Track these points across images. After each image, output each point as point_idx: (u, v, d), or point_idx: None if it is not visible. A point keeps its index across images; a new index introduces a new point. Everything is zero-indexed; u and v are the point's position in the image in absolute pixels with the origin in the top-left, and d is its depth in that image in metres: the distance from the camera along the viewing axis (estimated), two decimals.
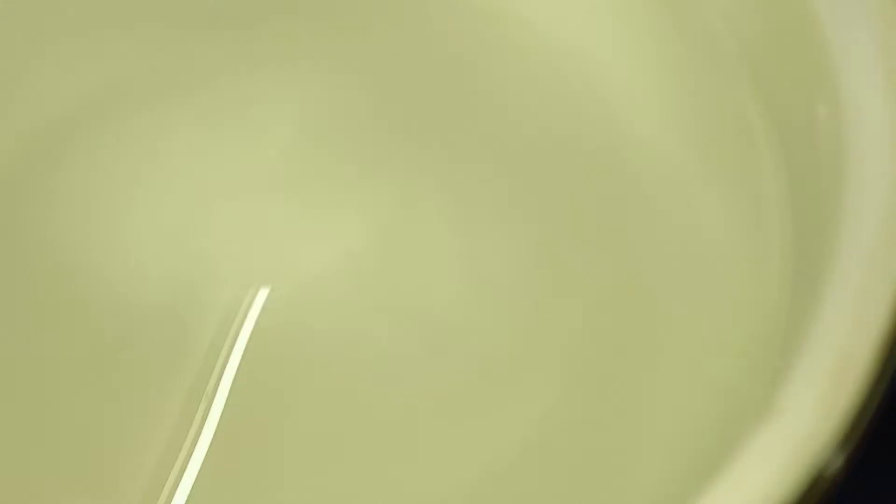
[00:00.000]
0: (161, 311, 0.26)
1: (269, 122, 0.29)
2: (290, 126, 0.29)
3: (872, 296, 0.25)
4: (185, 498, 0.24)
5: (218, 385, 0.25)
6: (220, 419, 0.25)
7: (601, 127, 0.35)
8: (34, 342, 0.27)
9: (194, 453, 0.25)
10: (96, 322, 0.26)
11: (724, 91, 0.38)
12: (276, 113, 0.29)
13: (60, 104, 0.32)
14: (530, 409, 0.29)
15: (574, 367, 0.30)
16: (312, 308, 0.26)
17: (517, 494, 0.28)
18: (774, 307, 0.33)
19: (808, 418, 0.23)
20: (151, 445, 0.24)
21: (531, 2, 0.35)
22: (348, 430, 0.25)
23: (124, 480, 0.24)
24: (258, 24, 0.30)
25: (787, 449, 0.23)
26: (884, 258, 0.25)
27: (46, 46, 0.34)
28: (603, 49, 0.38)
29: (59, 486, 0.25)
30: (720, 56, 0.38)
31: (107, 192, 0.29)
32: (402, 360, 0.26)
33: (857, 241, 0.27)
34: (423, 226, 0.28)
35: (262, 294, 0.26)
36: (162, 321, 0.25)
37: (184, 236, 0.27)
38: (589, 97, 0.38)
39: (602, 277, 0.33)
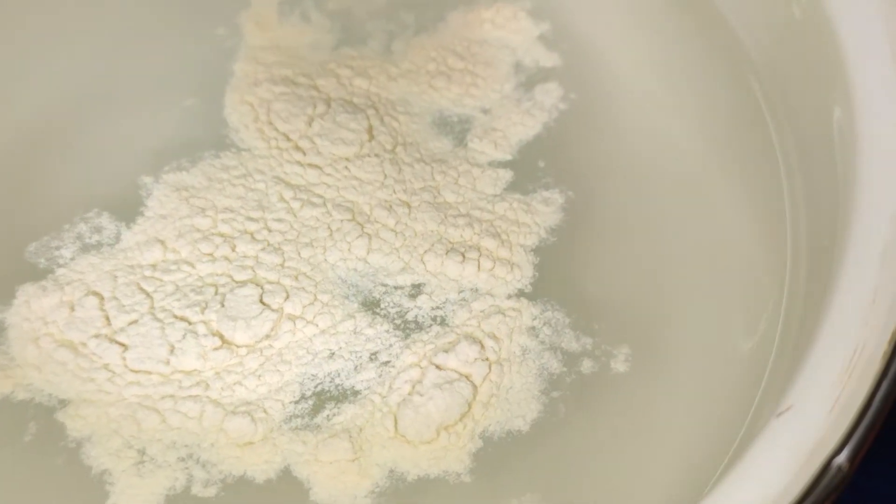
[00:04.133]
0: None
1: None
2: None
3: (883, 296, 0.26)
4: None
5: None
6: None
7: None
8: None
9: None
10: None
11: (739, 94, 0.38)
12: None
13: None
14: None
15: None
16: None
17: None
18: (785, 308, 0.33)
19: (817, 415, 0.25)
20: None
21: None
22: None
23: None
24: None
25: (796, 444, 0.24)
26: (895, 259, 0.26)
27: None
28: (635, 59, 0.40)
29: None
30: (737, 61, 0.39)
31: None
32: None
33: (869, 242, 0.27)
34: None
35: None
36: None
37: None
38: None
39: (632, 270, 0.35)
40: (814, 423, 0.24)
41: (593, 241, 0.35)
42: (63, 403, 0.32)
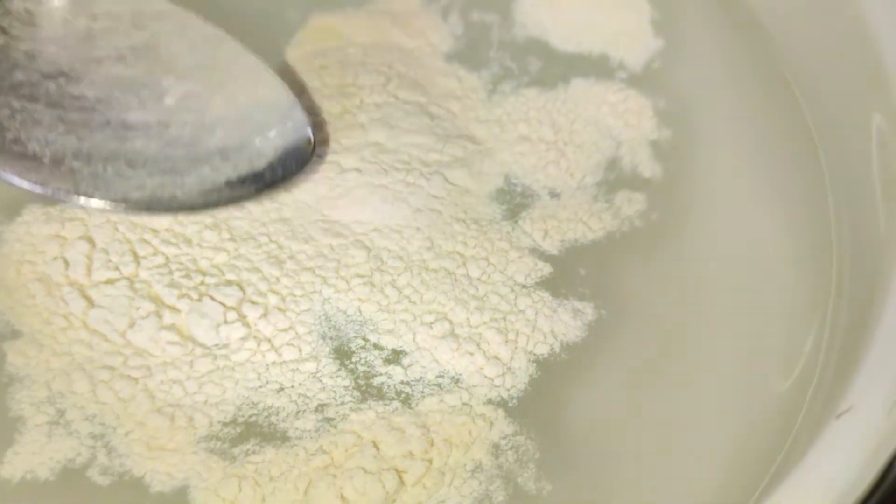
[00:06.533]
0: None
1: None
2: None
3: None
4: None
5: None
6: None
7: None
8: None
9: None
10: None
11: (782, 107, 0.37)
12: None
13: None
14: None
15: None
16: None
17: None
18: (833, 312, 0.32)
19: (878, 415, 0.25)
20: None
21: None
22: None
23: None
24: None
25: (858, 444, 0.24)
26: None
27: None
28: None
29: None
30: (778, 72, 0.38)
31: None
32: None
33: None
34: None
35: None
36: None
37: None
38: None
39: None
40: (875, 422, 0.25)
41: (609, 375, 0.31)
42: (16, 335, 0.31)
